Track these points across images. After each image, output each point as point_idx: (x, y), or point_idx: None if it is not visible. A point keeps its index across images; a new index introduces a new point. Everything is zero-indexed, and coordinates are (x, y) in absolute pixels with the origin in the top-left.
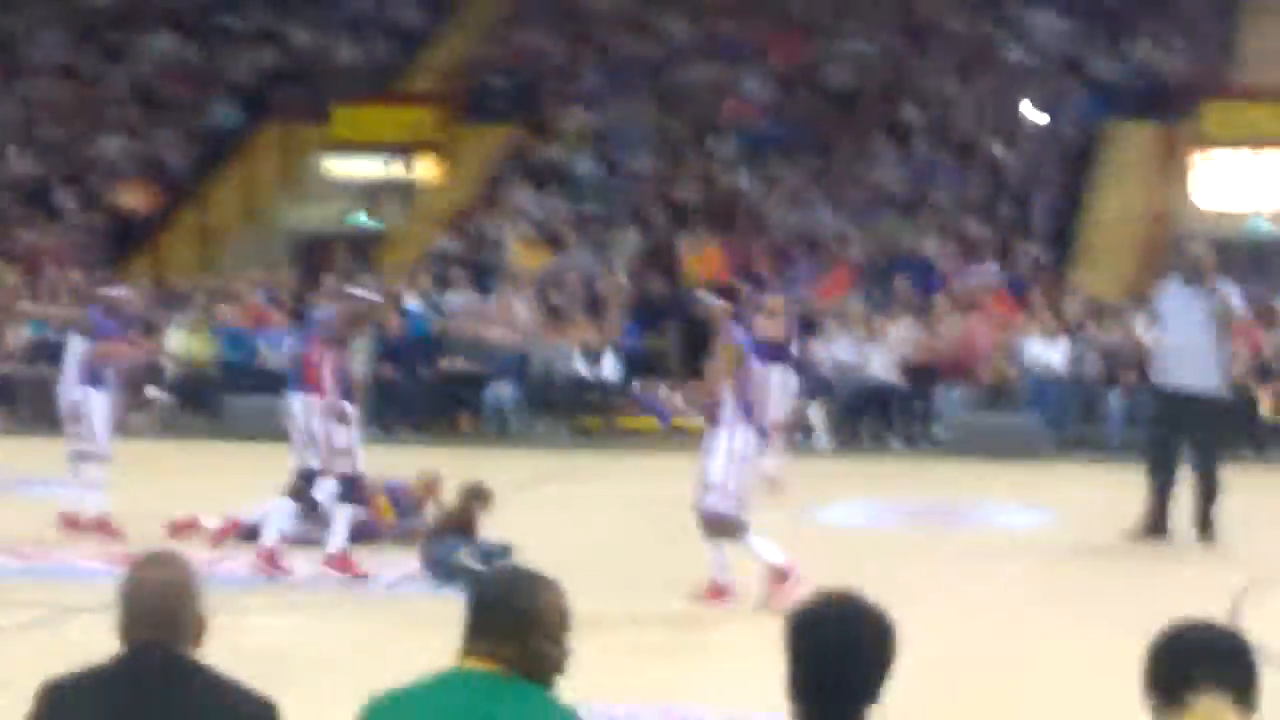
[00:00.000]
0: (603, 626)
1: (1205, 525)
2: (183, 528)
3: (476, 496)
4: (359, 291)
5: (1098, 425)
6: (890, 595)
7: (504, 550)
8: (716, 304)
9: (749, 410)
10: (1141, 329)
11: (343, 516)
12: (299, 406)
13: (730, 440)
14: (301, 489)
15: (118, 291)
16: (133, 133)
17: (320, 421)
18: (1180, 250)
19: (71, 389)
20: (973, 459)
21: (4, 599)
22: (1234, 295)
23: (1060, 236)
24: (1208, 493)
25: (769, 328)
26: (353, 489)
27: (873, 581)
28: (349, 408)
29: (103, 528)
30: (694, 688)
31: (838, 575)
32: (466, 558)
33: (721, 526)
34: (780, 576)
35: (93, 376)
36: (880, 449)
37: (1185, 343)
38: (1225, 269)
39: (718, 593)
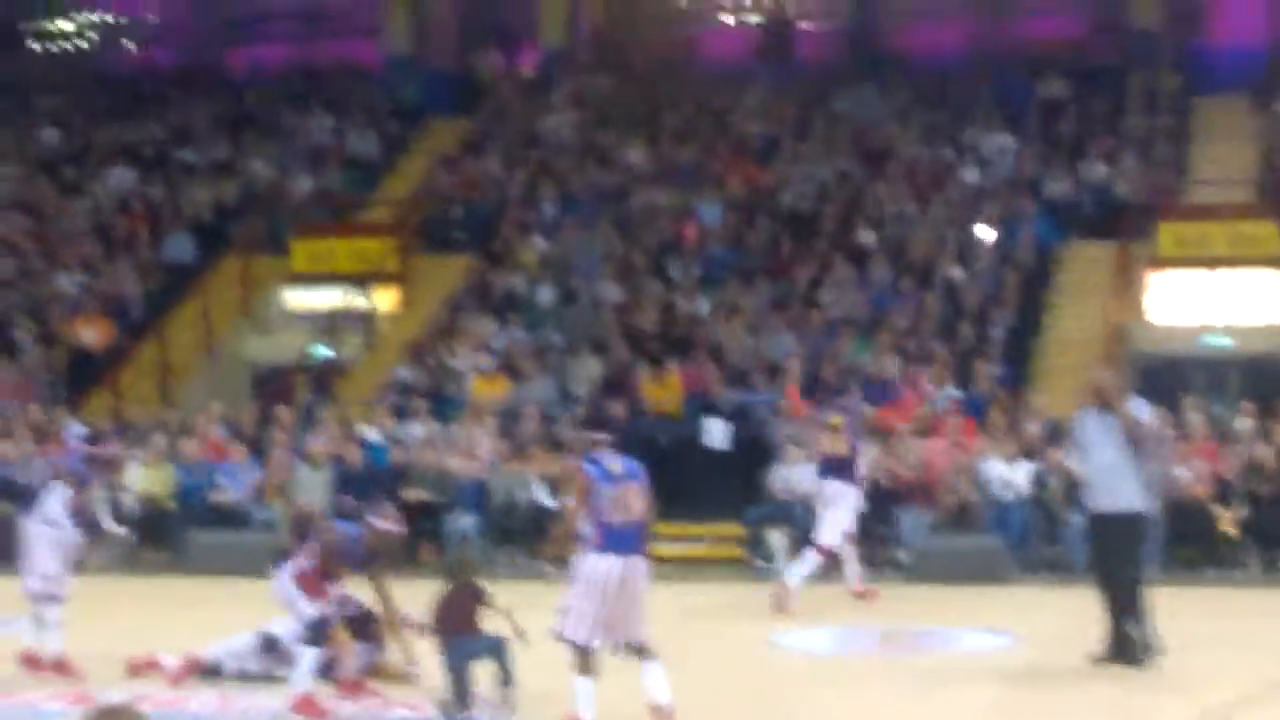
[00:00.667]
0: None
1: (1120, 645)
2: (141, 667)
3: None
4: (380, 523)
5: (1060, 547)
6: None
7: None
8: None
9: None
10: (1067, 458)
11: (308, 657)
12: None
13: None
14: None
15: (109, 449)
16: (90, 268)
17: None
18: (1089, 380)
19: (40, 530)
20: (935, 582)
21: None
22: (1141, 409)
23: (1018, 357)
24: (1119, 611)
25: (831, 444)
26: (319, 631)
27: (837, 707)
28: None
29: (60, 668)
30: None
31: (801, 700)
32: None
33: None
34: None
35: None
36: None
37: (1100, 466)
38: (1182, 385)
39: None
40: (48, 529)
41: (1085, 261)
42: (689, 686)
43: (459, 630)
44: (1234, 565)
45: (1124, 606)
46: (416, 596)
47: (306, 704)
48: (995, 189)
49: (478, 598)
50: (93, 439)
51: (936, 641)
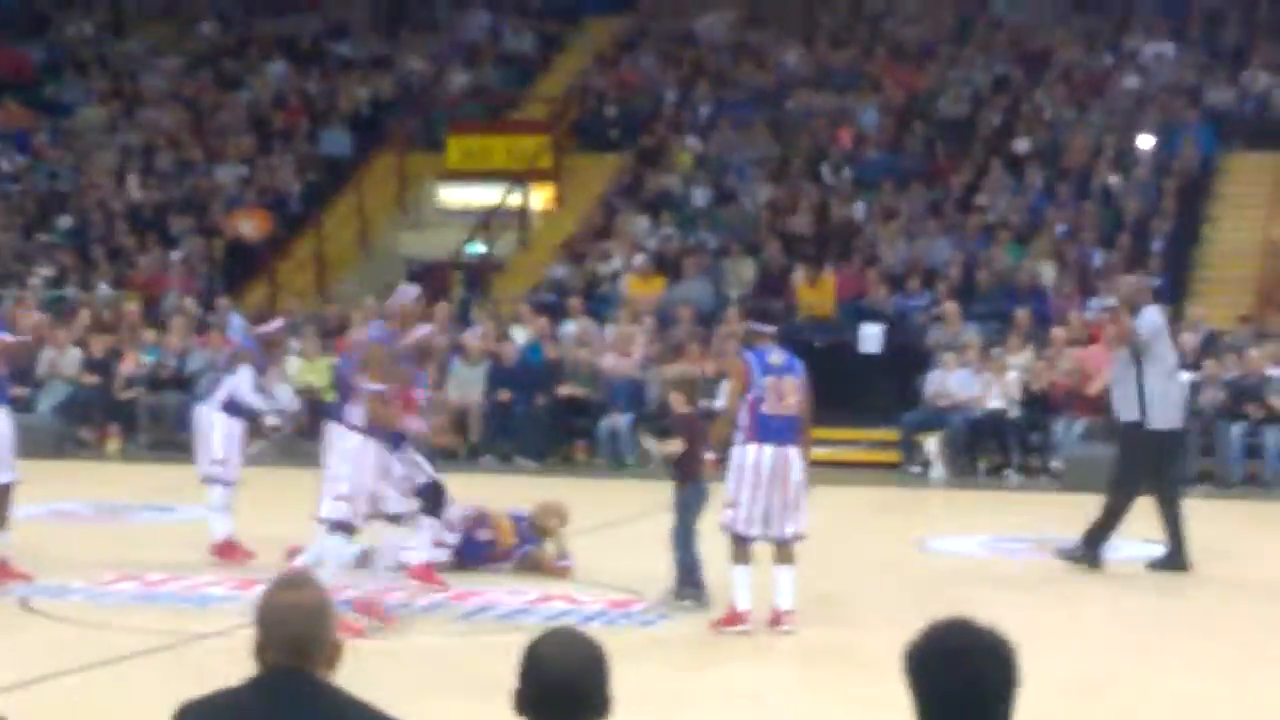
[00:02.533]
0: (719, 659)
1: (1089, 541)
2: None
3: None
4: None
5: (1217, 459)
6: (1009, 625)
7: None
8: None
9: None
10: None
11: (425, 528)
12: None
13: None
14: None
15: (273, 325)
16: (248, 161)
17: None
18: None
19: (211, 417)
20: (1090, 492)
21: (130, 625)
22: (1148, 318)
23: (1176, 267)
24: (1105, 514)
25: None
26: (434, 499)
27: (988, 611)
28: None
29: (229, 550)
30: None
31: (953, 605)
32: None
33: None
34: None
35: (231, 406)
36: (997, 481)
37: (1113, 376)
38: None
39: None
40: (222, 415)
41: (1246, 172)
42: (840, 587)
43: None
44: None
45: (1106, 511)
46: (572, 493)
47: (425, 572)
48: (1155, 96)
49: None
50: (258, 318)
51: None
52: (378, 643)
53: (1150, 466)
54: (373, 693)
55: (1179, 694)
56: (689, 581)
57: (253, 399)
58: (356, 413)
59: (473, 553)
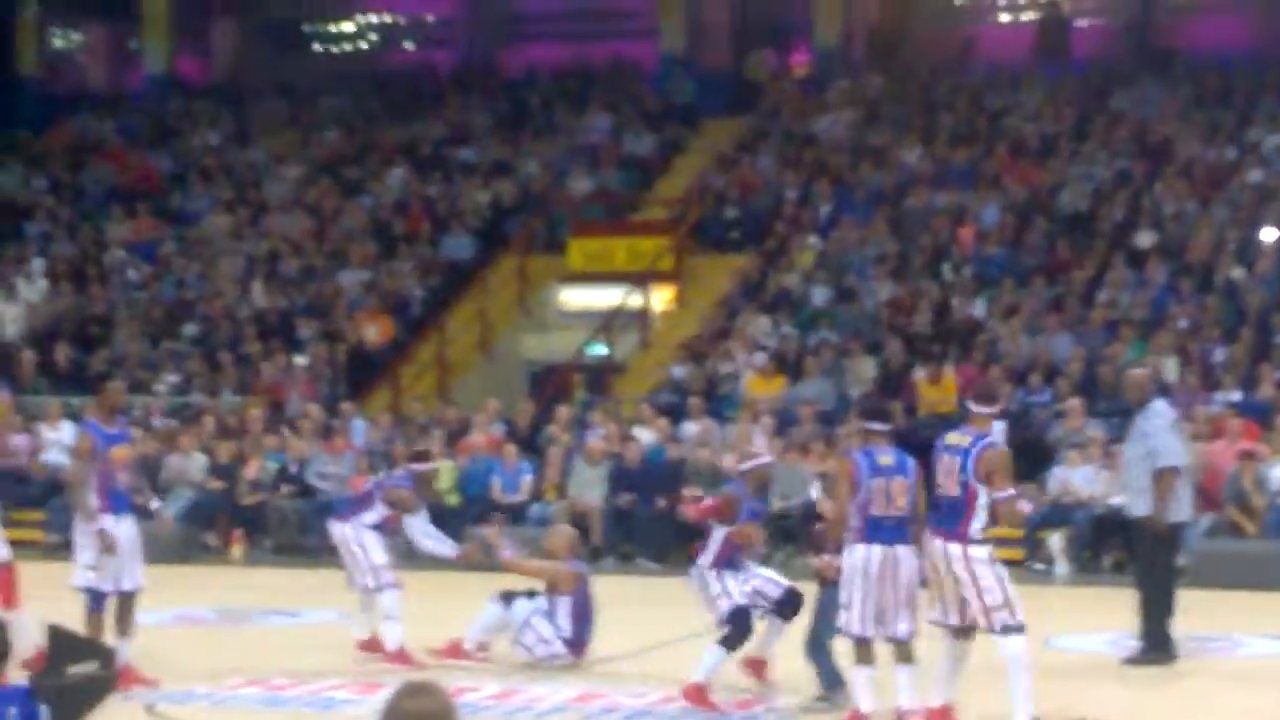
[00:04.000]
0: None
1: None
2: (444, 654)
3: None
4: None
5: None
6: None
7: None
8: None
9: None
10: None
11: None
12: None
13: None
14: None
15: (429, 465)
16: (370, 266)
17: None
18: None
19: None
20: (1215, 587)
21: None
22: (1157, 414)
23: None
24: (1146, 609)
25: None
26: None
27: (1116, 709)
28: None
29: (400, 658)
30: None
31: (1081, 700)
32: None
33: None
34: None
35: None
36: (1121, 578)
37: (1126, 466)
38: None
39: None
40: (374, 534)
41: None
42: (965, 684)
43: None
44: None
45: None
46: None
47: (696, 694)
48: (1278, 189)
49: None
50: (414, 457)
51: (1219, 647)
52: None
53: (1167, 557)
54: None
55: None
56: (833, 683)
57: (432, 544)
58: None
59: None
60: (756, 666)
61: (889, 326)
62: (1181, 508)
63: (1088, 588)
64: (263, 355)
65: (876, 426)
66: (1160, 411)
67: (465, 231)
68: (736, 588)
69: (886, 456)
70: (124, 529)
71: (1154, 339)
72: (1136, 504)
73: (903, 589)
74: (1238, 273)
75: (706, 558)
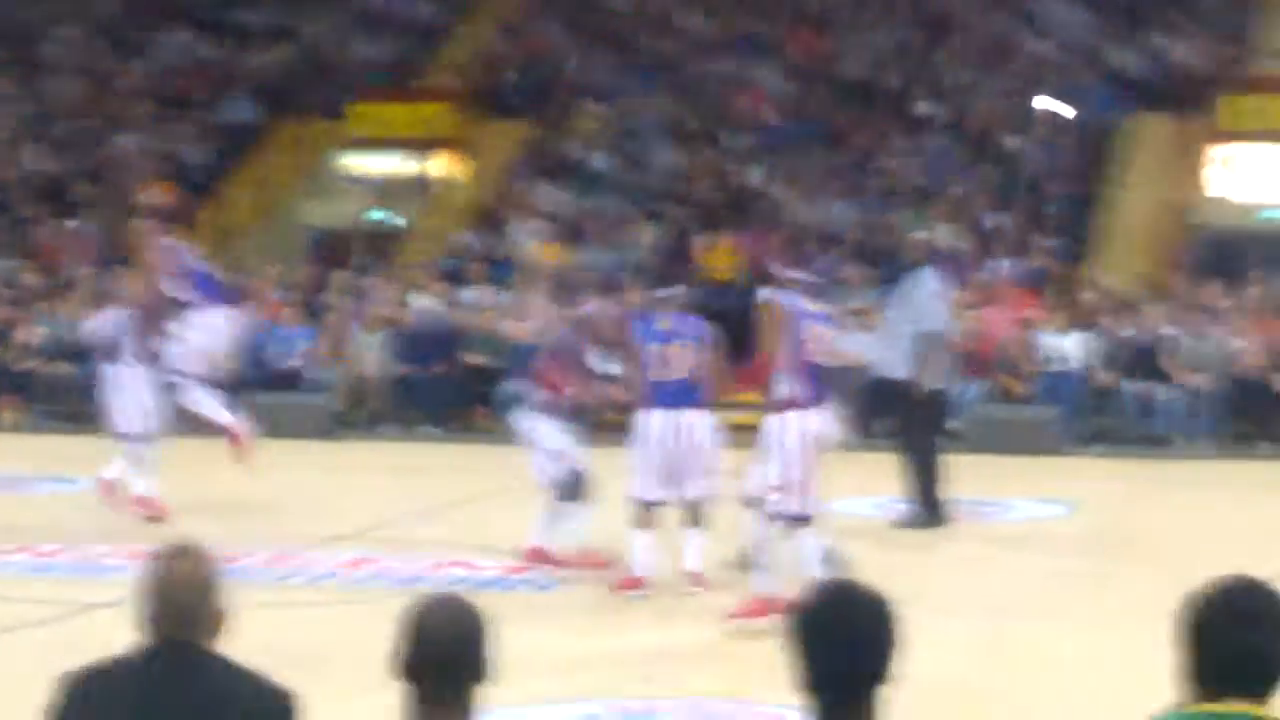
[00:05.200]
0: (618, 624)
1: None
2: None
3: None
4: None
5: (1113, 419)
6: (906, 586)
7: None
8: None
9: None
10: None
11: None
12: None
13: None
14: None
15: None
16: (150, 130)
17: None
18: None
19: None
20: (989, 453)
21: (21, 596)
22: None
23: (1076, 229)
24: (916, 475)
25: None
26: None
27: (886, 573)
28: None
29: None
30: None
31: (856, 563)
32: None
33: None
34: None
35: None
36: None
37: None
38: (1242, 260)
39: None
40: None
41: (1147, 134)
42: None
43: None
44: None
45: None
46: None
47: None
48: (1058, 59)
49: None
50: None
51: (992, 511)
52: (269, 610)
53: (928, 422)
54: (260, 660)
55: (1072, 650)
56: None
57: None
58: None
59: None
60: (539, 555)
61: (670, 194)
62: (941, 374)
63: (860, 453)
64: (37, 219)
65: (661, 294)
66: (926, 278)
67: (246, 96)
68: (563, 440)
69: (665, 321)
70: None
71: (931, 207)
72: (896, 368)
73: (693, 453)
74: (1014, 142)
75: (542, 404)
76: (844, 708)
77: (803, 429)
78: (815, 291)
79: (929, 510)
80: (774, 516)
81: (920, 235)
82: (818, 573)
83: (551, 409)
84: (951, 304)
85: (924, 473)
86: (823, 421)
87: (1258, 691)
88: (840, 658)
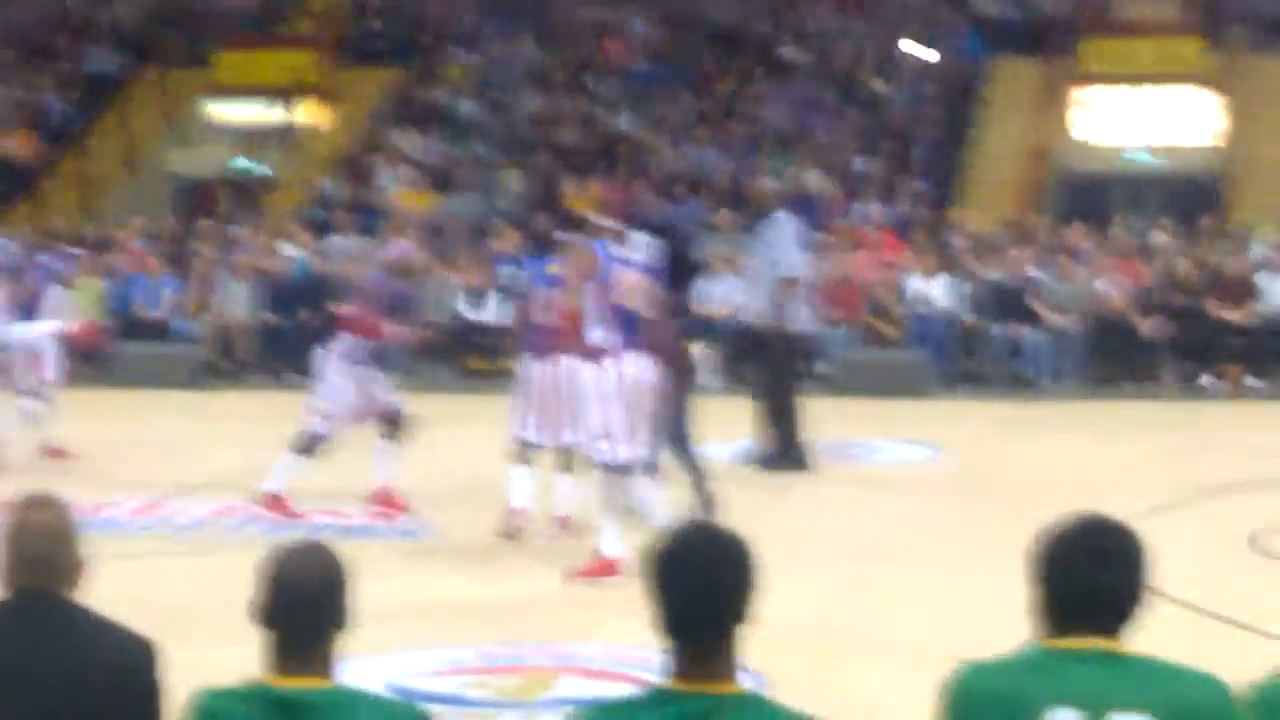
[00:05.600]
0: (487, 571)
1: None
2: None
3: None
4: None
5: (980, 361)
6: (766, 529)
7: None
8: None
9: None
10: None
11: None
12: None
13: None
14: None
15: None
16: (12, 80)
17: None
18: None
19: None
20: (857, 396)
21: None
22: (773, 224)
23: (942, 173)
24: (774, 420)
25: None
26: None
27: (749, 516)
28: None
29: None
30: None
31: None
32: None
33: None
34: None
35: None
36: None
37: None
38: (1105, 202)
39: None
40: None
41: (1011, 78)
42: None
43: None
44: (1153, 378)
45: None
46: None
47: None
48: (921, 3)
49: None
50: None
51: (859, 453)
52: (133, 560)
53: (788, 366)
54: (123, 610)
55: (929, 590)
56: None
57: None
58: None
59: None
60: (385, 499)
61: (538, 141)
62: (802, 317)
63: (732, 398)
64: None
65: (560, 236)
66: (782, 222)
67: (108, 44)
68: (353, 388)
69: (555, 265)
70: None
71: (797, 151)
72: (759, 313)
73: (570, 398)
74: (880, 86)
75: (339, 346)
76: (703, 649)
77: (619, 375)
78: (627, 240)
79: (788, 454)
80: (604, 466)
81: (769, 182)
82: (657, 519)
83: (353, 353)
84: (811, 248)
85: (783, 416)
86: (639, 368)
87: (1109, 627)
88: (698, 599)
